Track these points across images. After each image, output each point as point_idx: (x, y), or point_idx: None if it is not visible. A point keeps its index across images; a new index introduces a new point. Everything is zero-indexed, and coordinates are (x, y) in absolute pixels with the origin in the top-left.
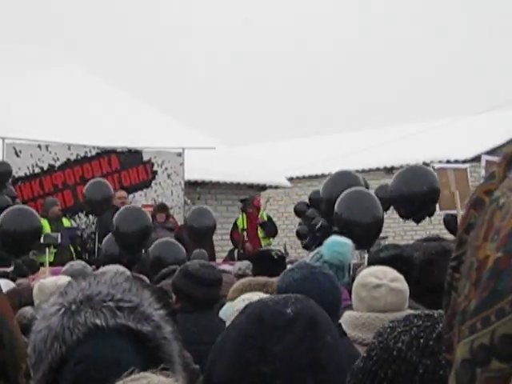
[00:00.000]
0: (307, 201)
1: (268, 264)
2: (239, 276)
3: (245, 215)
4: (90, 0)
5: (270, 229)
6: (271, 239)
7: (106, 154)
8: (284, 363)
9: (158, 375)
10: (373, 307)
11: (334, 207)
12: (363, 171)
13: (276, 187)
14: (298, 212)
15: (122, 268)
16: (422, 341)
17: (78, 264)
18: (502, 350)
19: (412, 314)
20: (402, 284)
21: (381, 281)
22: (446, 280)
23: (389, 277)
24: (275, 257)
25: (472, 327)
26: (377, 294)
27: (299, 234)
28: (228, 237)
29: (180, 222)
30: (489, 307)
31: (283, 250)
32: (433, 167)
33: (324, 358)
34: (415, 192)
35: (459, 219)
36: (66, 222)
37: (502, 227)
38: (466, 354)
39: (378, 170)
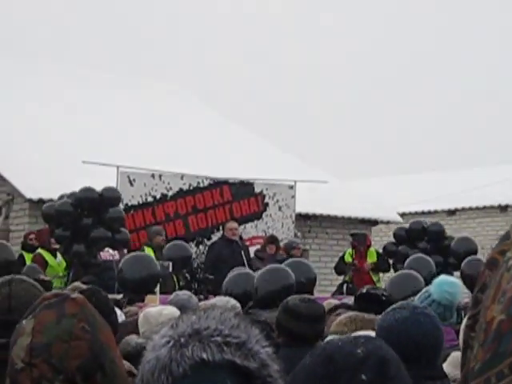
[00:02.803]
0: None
1: (372, 304)
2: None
3: (353, 250)
4: (203, 26)
5: (383, 264)
6: (381, 274)
7: (218, 184)
8: None
9: None
10: None
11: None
12: (477, 208)
13: (388, 222)
14: (388, 253)
15: (232, 301)
16: None
17: (183, 294)
18: None
19: None
20: None
21: None
22: (462, 338)
23: None
24: (382, 298)
25: None
26: None
27: None
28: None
29: None
30: (490, 369)
31: None
32: None
33: None
34: None
35: None
36: None
37: (507, 289)
38: None
39: (492, 208)
